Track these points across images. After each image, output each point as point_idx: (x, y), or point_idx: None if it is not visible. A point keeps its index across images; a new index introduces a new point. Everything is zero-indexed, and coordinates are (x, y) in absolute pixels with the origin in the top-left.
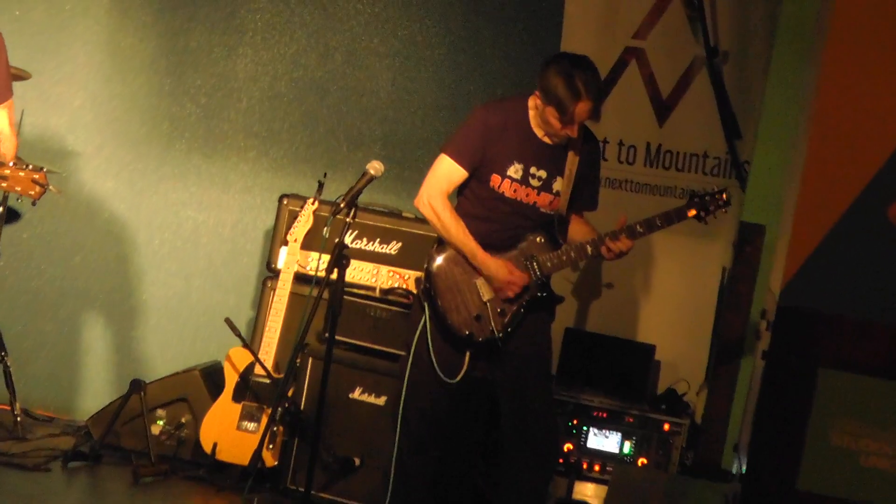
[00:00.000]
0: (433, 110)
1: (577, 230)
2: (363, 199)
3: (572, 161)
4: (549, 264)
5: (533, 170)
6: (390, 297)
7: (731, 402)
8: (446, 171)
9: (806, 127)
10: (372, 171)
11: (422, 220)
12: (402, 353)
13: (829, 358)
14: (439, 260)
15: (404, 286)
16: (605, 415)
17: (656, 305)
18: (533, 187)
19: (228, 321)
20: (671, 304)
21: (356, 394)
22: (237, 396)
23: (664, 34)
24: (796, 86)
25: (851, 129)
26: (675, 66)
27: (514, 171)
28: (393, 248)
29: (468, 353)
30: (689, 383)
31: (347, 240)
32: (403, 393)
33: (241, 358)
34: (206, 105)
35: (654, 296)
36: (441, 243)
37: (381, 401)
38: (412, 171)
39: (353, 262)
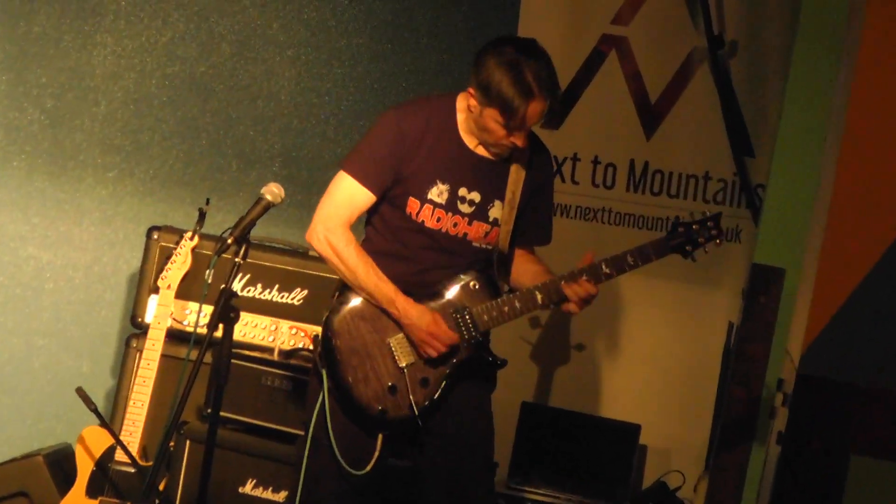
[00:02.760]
0: (350, 118)
1: (526, 271)
2: (258, 232)
3: (516, 179)
4: (485, 317)
5: (462, 191)
6: (293, 362)
7: (738, 500)
8: (347, 195)
9: (836, 141)
10: (269, 197)
11: None
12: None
13: (863, 443)
14: (341, 313)
15: (311, 346)
16: None
17: (642, 373)
18: (463, 214)
19: (81, 392)
20: (661, 372)
21: (248, 487)
22: (93, 490)
23: (653, 18)
24: (824, 87)
25: (894, 143)
26: (667, 59)
27: (437, 193)
28: (296, 296)
29: (381, 436)
30: (684, 475)
31: (237, 286)
32: (299, 489)
33: (98, 440)
34: (54, 110)
35: (638, 360)
36: (343, 291)
37: (280, 496)
38: (321, 197)
39: (244, 316)
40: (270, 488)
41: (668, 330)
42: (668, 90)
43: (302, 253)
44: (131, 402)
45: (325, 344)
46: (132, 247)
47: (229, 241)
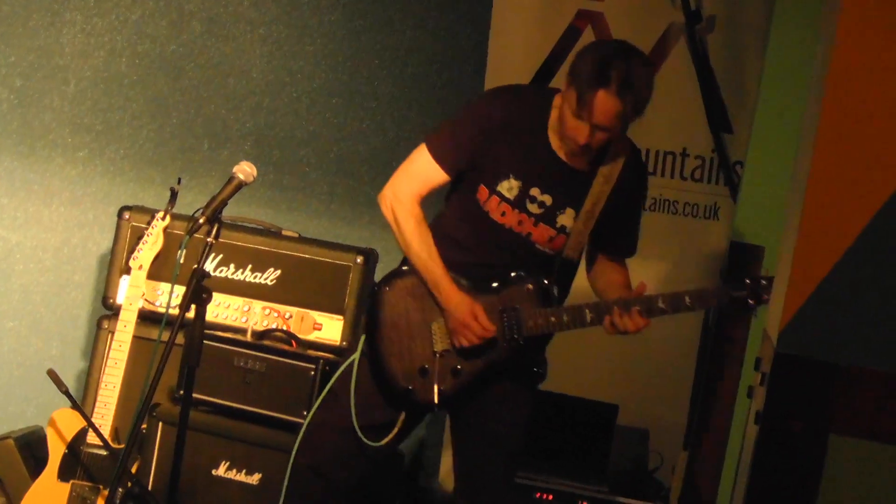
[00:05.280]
0: (322, 96)
1: (606, 279)
2: (230, 212)
3: (600, 192)
4: (531, 323)
5: (534, 191)
6: (266, 343)
7: (717, 481)
8: (422, 169)
9: (814, 117)
10: (241, 176)
11: (308, 241)
12: (283, 416)
13: (844, 422)
14: (394, 284)
15: (285, 327)
16: (550, 497)
17: (619, 353)
18: (530, 214)
19: (52, 374)
20: (639, 352)
21: (221, 470)
22: (65, 473)
23: None
24: (802, 63)
25: (874, 117)
26: (643, 35)
27: (508, 187)
28: (269, 277)
29: (403, 415)
30: (662, 456)
31: (209, 266)
32: (298, 439)
33: (70, 423)
34: (22, 89)
35: (616, 340)
36: (405, 264)
37: (255, 479)
38: (294, 177)
39: (217, 296)
40: (244, 470)
41: None
42: None
43: (275, 233)
44: (103, 385)
45: (371, 309)
46: (102, 227)
47: (201, 220)
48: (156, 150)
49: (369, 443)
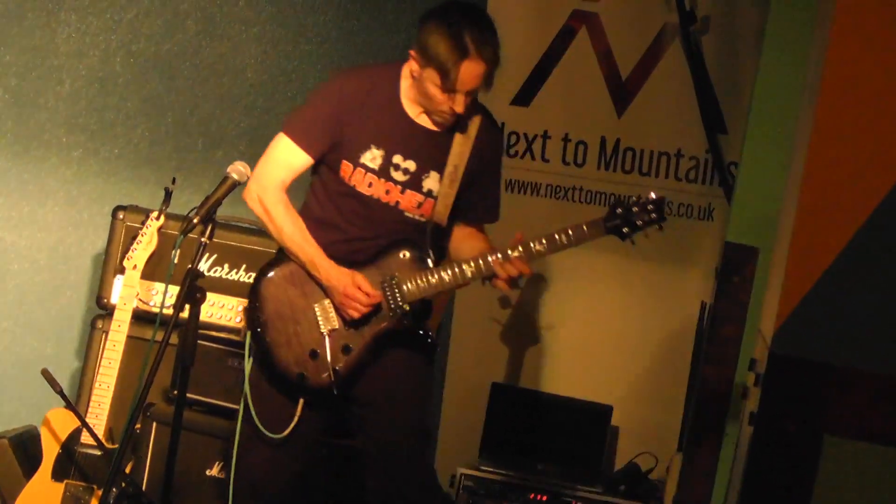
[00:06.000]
0: None
1: (471, 248)
2: (224, 212)
3: (460, 153)
4: (411, 287)
5: (397, 159)
6: None
7: (711, 482)
8: (284, 156)
9: (809, 118)
10: (235, 176)
11: None
12: None
13: (838, 423)
14: (271, 275)
15: None
16: (544, 498)
17: (614, 354)
18: (396, 182)
19: (46, 374)
20: (633, 353)
21: (214, 470)
22: (58, 473)
23: None
24: (797, 63)
25: (868, 119)
26: (638, 36)
27: (371, 158)
28: None
29: (301, 402)
30: (656, 457)
31: (203, 266)
32: (234, 458)
33: (64, 422)
34: (17, 89)
35: (610, 341)
36: (278, 255)
37: None
38: None
39: (211, 296)
40: None
41: (641, 310)
42: (640, 67)
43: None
44: (97, 385)
45: (251, 306)
46: (97, 227)
47: (195, 220)
48: (150, 149)
49: (269, 434)
